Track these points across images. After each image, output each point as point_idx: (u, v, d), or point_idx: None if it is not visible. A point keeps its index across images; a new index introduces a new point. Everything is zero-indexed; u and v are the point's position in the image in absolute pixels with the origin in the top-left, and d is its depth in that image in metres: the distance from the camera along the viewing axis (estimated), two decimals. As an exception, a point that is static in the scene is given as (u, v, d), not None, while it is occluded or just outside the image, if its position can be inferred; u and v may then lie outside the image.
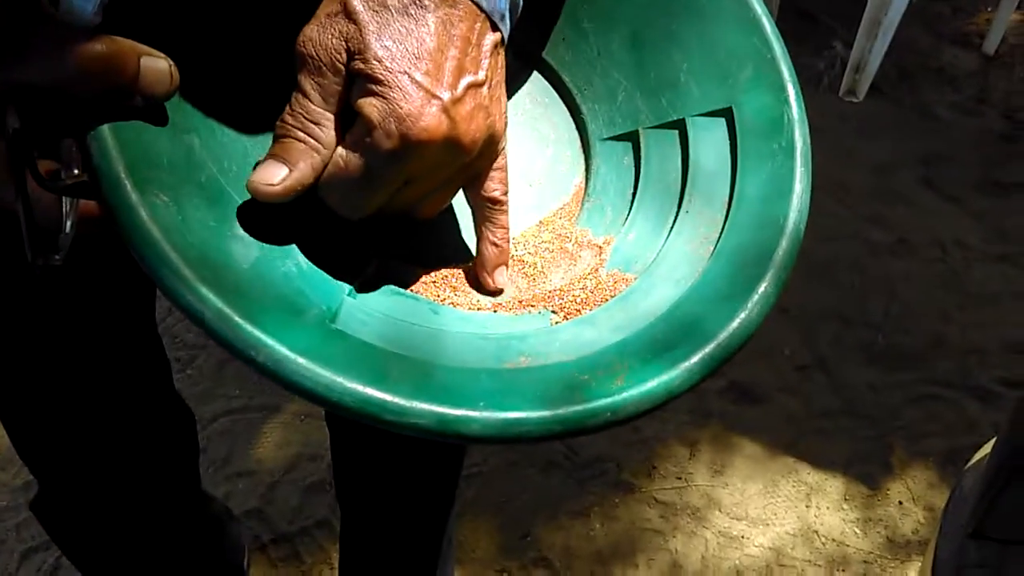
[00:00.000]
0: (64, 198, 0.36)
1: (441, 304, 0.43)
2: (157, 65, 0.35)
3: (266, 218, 0.40)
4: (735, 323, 0.39)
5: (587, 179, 0.50)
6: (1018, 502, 0.76)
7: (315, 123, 0.38)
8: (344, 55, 0.37)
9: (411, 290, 0.43)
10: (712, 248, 0.43)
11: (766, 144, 0.45)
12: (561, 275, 0.46)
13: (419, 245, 0.46)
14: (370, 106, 0.37)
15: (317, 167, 0.38)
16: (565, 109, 0.52)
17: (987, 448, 0.86)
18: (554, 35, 0.51)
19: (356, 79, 0.37)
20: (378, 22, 0.37)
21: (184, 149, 0.38)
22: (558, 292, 0.44)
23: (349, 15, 0.37)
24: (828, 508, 1.27)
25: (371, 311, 0.39)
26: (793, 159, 0.44)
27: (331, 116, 0.38)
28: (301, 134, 0.38)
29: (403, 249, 0.45)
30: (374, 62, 0.36)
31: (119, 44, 0.34)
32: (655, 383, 0.37)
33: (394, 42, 0.37)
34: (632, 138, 0.49)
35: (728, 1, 0.47)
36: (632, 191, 0.48)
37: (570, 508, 1.26)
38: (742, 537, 1.24)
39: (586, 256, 0.46)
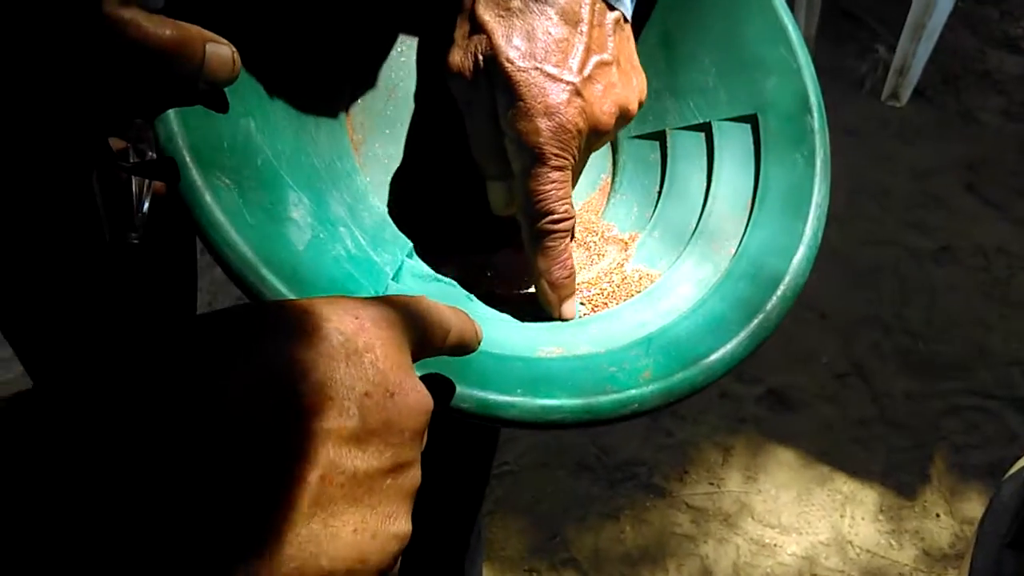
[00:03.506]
0: (136, 179, 0.37)
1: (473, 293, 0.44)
2: (221, 51, 0.36)
3: (316, 203, 0.40)
4: (755, 323, 0.41)
5: (614, 175, 0.51)
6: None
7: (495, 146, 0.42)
8: (483, 66, 0.40)
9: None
10: (734, 250, 0.45)
11: (788, 153, 0.46)
12: (587, 267, 0.47)
13: (453, 234, 0.47)
14: (513, 117, 0.40)
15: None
16: None
17: (1031, 461, 0.84)
18: None
19: (496, 87, 0.40)
20: (506, 26, 0.40)
21: (243, 133, 0.39)
22: (586, 284, 0.46)
23: (479, 28, 0.40)
24: (863, 518, 1.25)
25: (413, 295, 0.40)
26: (813, 168, 0.45)
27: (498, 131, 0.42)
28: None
29: (436, 237, 0.47)
30: (506, 63, 0.40)
31: (187, 30, 0.35)
32: (678, 378, 0.39)
33: (523, 40, 0.40)
34: (659, 137, 0.50)
35: (757, 10, 0.48)
36: (658, 189, 0.50)
37: (600, 510, 1.25)
38: (774, 545, 1.22)
39: (612, 251, 0.48)
